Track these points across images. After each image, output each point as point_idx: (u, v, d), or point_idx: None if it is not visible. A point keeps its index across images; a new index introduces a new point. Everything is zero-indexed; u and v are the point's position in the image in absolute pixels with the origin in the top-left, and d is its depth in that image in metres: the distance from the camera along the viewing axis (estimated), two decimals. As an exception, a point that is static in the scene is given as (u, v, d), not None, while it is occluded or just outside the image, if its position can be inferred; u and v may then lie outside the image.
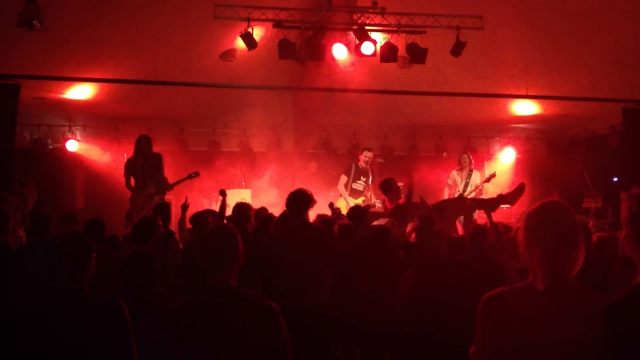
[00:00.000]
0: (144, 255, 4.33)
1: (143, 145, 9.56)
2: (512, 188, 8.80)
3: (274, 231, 6.37)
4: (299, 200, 6.01)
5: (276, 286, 5.67)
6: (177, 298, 4.10)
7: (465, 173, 11.42)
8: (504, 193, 8.63)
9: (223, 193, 8.17)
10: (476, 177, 11.42)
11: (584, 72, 10.71)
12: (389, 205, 8.78)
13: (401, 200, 8.39)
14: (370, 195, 11.09)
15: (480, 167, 13.42)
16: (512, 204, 8.81)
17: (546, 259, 2.49)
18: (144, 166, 9.40)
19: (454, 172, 11.61)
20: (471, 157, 11.76)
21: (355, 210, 7.61)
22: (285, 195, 6.22)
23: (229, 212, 7.56)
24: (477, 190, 11.01)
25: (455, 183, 11.47)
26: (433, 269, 6.12)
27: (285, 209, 6.30)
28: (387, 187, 8.98)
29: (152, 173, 9.43)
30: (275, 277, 5.74)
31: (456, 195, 11.04)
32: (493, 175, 11.01)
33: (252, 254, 5.61)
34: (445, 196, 11.21)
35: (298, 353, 3.27)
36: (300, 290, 5.57)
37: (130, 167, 9.54)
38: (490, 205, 8.18)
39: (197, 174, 9.83)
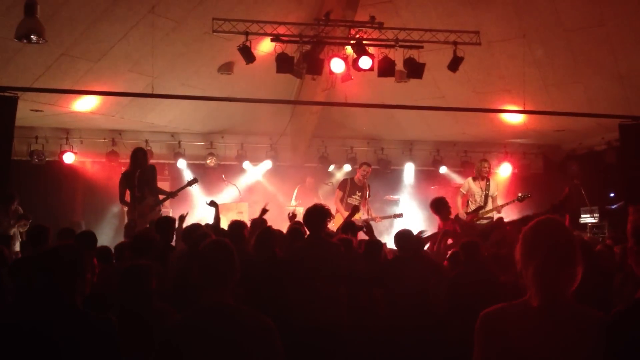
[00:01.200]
0: (140, 269, 4.31)
1: (140, 159, 9.55)
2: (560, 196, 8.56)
3: (291, 247, 6.30)
4: (316, 216, 6.00)
5: (291, 302, 5.63)
6: (174, 312, 4.07)
7: (484, 183, 10.80)
8: (555, 203, 8.44)
9: (214, 204, 7.98)
10: (494, 188, 10.89)
11: (581, 88, 10.77)
12: (441, 225, 8.80)
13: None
14: (367, 209, 11.08)
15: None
16: (567, 212, 8.56)
17: (541, 276, 2.48)
18: (141, 179, 9.38)
19: (470, 180, 10.97)
20: (490, 165, 11.24)
21: (348, 226, 7.58)
22: (281, 208, 6.20)
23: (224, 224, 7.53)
24: (506, 206, 10.53)
25: (471, 192, 10.83)
26: (418, 285, 6.08)
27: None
28: (438, 207, 9.00)
29: (149, 185, 9.43)
30: (291, 293, 5.70)
31: (473, 206, 10.59)
32: (528, 196, 10.44)
33: (258, 271, 5.61)
34: (459, 205, 10.77)
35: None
36: (314, 307, 5.55)
37: (126, 180, 9.51)
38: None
39: (196, 181, 9.85)
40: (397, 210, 12.16)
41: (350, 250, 6.46)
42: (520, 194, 10.56)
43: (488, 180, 10.87)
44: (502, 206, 10.60)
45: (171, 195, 9.66)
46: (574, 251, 2.52)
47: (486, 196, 10.72)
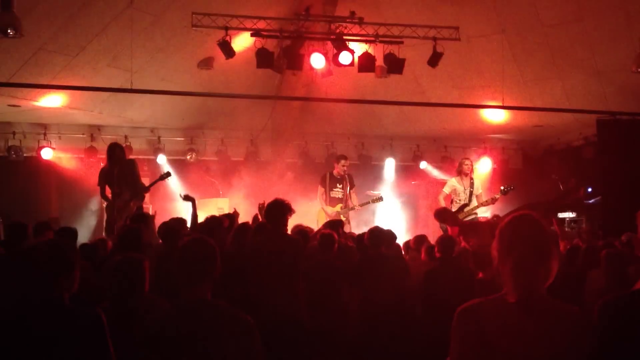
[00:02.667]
0: (133, 261, 4.26)
1: (117, 154, 9.42)
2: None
3: (250, 241, 6.31)
4: (276, 210, 6.00)
5: (251, 297, 5.63)
6: (164, 303, 4.01)
7: (467, 181, 10.66)
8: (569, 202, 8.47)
9: (189, 198, 7.59)
10: (478, 185, 10.75)
11: (559, 84, 10.86)
12: (452, 230, 8.86)
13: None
14: (352, 201, 11.04)
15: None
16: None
17: (517, 272, 2.50)
18: (120, 175, 9.26)
19: (454, 180, 10.81)
20: (472, 162, 11.14)
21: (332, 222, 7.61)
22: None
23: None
24: (492, 201, 10.41)
25: (455, 192, 10.68)
26: (389, 283, 6.11)
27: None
28: (443, 216, 9.24)
29: (127, 180, 9.30)
30: (250, 288, 5.70)
31: (457, 206, 10.50)
32: (512, 189, 10.36)
33: (228, 266, 5.61)
34: (442, 204, 10.54)
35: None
36: (274, 301, 5.55)
37: (105, 176, 9.39)
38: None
39: (168, 175, 9.65)
40: (378, 205, 12.12)
41: (331, 244, 6.48)
42: (502, 187, 10.40)
43: (471, 178, 10.75)
44: (486, 202, 10.49)
45: (145, 189, 9.51)
46: (550, 247, 2.54)
47: (470, 193, 10.61)
